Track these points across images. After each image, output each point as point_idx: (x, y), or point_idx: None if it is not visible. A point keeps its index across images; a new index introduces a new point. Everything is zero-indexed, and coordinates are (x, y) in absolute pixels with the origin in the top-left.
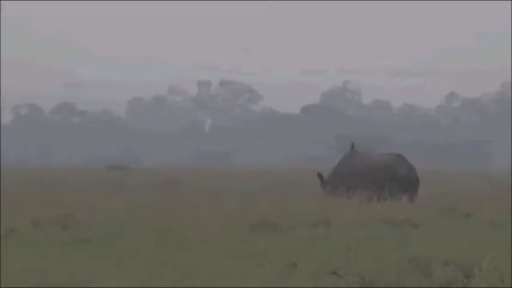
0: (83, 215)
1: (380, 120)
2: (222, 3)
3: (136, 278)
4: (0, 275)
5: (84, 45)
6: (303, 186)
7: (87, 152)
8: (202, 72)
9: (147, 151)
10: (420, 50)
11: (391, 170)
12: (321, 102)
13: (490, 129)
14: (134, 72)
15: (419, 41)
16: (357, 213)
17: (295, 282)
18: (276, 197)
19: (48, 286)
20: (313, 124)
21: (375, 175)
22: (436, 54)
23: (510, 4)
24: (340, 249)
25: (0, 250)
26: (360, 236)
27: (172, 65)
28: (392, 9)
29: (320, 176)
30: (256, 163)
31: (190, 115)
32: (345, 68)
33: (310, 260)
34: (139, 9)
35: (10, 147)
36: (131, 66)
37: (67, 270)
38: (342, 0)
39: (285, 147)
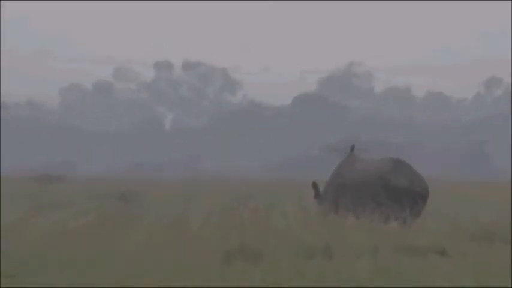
0: (2, 242)
1: (397, 115)
2: (223, 4)
3: None
4: None
5: (85, 46)
6: (292, 200)
7: (5, 158)
8: None
9: (87, 156)
10: (420, 50)
11: (384, 179)
12: (319, 91)
13: (490, 127)
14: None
15: (419, 41)
16: (365, 238)
17: None
18: (256, 216)
19: None
20: (306, 120)
21: (366, 187)
22: (436, 54)
23: (510, 4)
24: (346, 286)
25: None
26: (371, 269)
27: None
28: (392, 9)
29: (315, 186)
30: (232, 170)
31: (144, 108)
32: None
33: None
34: (140, 9)
35: None
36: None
37: None
38: (342, 0)
39: (269, 149)
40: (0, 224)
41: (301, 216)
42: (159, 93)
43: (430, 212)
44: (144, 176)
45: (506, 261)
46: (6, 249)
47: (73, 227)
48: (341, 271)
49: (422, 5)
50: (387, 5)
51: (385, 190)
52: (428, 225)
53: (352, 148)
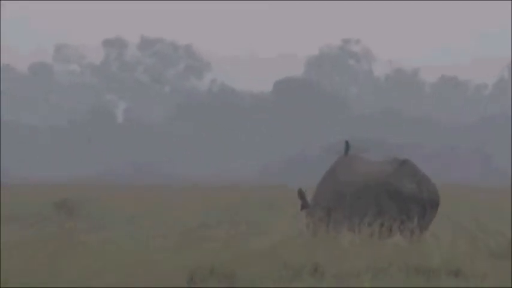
0: None
1: (402, 104)
2: (224, 3)
3: None
4: None
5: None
6: (275, 211)
7: None
8: None
9: (22, 157)
10: (420, 49)
11: (387, 184)
12: (306, 75)
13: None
14: None
15: (419, 40)
16: (365, 255)
17: None
18: (232, 230)
19: None
20: (291, 111)
21: (365, 194)
22: (436, 54)
23: (510, 4)
24: None
25: None
26: None
27: None
28: (392, 9)
29: (302, 195)
30: (202, 175)
31: (91, 96)
32: None
33: None
34: (139, 8)
35: None
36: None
37: None
38: (341, 0)
39: (249, 149)
40: None
41: (285, 229)
42: (109, 78)
43: (440, 223)
44: (91, 182)
45: None
46: None
47: (3, 245)
48: None
49: (421, 5)
50: (387, 5)
51: (388, 196)
52: (439, 240)
53: (347, 146)
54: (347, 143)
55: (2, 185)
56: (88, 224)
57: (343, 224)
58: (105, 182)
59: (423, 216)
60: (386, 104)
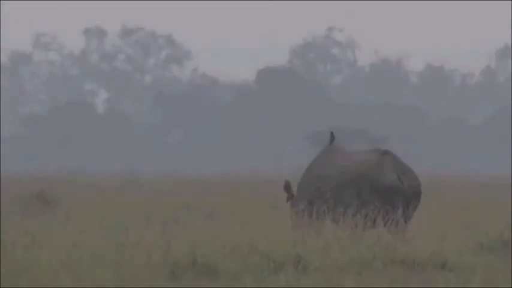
0: None
1: (387, 94)
2: (226, 3)
3: None
4: None
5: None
6: (260, 205)
7: None
8: None
9: None
10: (406, 39)
11: (369, 175)
12: (290, 63)
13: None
14: None
15: (419, 38)
16: (348, 248)
17: None
18: (215, 222)
19: None
20: (272, 100)
21: (347, 186)
22: (423, 44)
23: (510, 4)
24: None
25: None
26: (355, 285)
27: None
28: (392, 8)
29: (288, 187)
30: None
31: (71, 85)
32: None
33: None
34: (138, 7)
35: None
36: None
37: None
38: (341, 1)
39: (232, 139)
40: None
41: (267, 220)
42: (89, 67)
43: (427, 214)
44: (69, 176)
45: None
46: None
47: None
48: None
49: (422, 4)
50: (387, 4)
51: (371, 188)
52: (425, 232)
53: (332, 137)
54: (332, 134)
55: None
56: (66, 219)
57: (327, 215)
58: (82, 174)
59: (406, 207)
60: (370, 94)
